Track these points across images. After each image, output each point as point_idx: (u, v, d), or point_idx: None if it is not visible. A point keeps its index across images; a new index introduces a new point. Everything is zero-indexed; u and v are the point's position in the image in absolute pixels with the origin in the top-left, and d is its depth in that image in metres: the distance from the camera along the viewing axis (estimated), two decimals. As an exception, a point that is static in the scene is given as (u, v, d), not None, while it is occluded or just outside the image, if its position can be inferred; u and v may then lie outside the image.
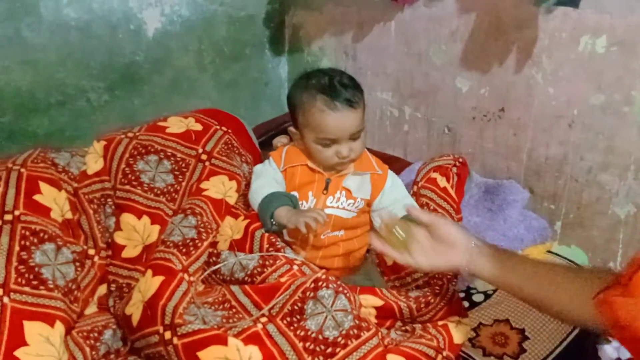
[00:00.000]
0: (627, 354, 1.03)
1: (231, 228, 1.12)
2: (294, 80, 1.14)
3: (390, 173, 1.19)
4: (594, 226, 1.30)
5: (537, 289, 0.82)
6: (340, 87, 1.05)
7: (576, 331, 1.05)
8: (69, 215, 1.05)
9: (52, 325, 0.86)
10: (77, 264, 0.99)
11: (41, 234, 0.94)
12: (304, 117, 1.08)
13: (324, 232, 1.10)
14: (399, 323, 1.02)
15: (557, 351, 1.01)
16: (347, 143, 1.07)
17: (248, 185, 1.27)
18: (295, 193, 1.11)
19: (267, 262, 1.01)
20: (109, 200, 1.11)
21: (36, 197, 1.00)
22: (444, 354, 0.93)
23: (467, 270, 0.87)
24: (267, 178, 1.12)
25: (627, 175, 1.21)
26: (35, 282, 0.88)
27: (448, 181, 1.25)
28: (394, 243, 0.91)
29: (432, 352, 0.91)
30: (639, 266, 0.57)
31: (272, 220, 1.06)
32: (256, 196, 1.10)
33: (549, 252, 1.29)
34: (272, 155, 1.16)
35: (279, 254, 1.03)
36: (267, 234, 1.07)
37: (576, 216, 1.33)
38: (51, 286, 0.90)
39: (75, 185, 1.09)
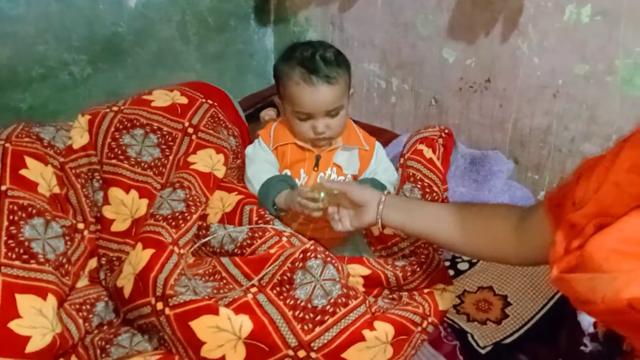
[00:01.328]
0: (605, 317, 1.07)
1: (222, 200, 1.13)
2: (282, 50, 1.13)
3: (377, 147, 1.20)
4: (576, 195, 1.33)
5: (442, 231, 0.90)
6: (321, 61, 1.04)
7: (557, 297, 1.09)
8: (56, 189, 1.04)
9: (44, 298, 0.87)
10: (67, 238, 0.99)
11: (29, 209, 0.94)
12: (283, 89, 1.09)
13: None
14: (386, 291, 1.05)
15: (538, 316, 1.05)
16: (324, 119, 1.06)
17: (236, 158, 1.28)
18: (287, 171, 1.12)
19: (256, 234, 1.02)
20: (96, 174, 1.10)
21: (22, 172, 0.99)
22: (429, 320, 0.97)
23: (380, 223, 0.94)
24: (260, 162, 1.12)
25: (610, 145, 1.22)
26: (25, 257, 0.89)
27: (434, 152, 1.26)
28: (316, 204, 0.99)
29: (417, 319, 0.94)
30: (584, 236, 0.59)
31: (275, 207, 1.07)
32: (254, 183, 1.11)
33: (532, 220, 1.32)
34: (261, 134, 1.16)
35: (268, 226, 1.05)
36: (255, 207, 1.09)
37: (559, 185, 1.35)
38: (42, 260, 0.91)
39: (62, 159, 1.09)
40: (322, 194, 0.97)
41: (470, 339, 1.00)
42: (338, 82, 1.05)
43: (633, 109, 1.17)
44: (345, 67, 1.08)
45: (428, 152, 1.24)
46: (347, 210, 0.99)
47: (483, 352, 0.98)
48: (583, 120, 1.25)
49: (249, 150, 1.17)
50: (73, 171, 1.08)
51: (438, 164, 1.24)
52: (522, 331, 1.02)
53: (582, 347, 1.02)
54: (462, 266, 1.17)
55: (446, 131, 1.33)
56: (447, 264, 1.17)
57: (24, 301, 0.84)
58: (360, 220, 0.96)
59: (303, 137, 1.11)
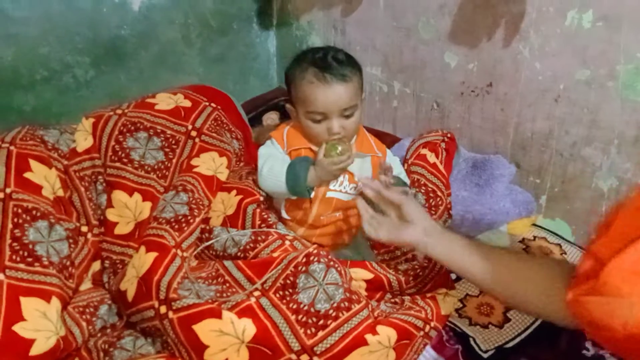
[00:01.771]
0: (606, 321, 1.07)
1: (223, 203, 1.13)
2: (292, 57, 1.13)
3: (388, 153, 1.19)
4: (577, 199, 1.33)
5: (486, 273, 0.84)
6: (333, 61, 1.04)
7: (558, 300, 1.09)
8: (60, 192, 1.05)
9: (48, 301, 0.87)
10: (71, 240, 1.00)
11: (34, 212, 0.95)
12: (295, 91, 1.07)
13: (324, 214, 1.12)
14: (388, 295, 1.05)
15: (540, 320, 1.05)
16: (339, 119, 1.05)
17: (239, 161, 1.28)
18: None
19: (259, 238, 1.03)
20: (99, 177, 1.11)
21: (27, 174, 0.99)
22: (432, 324, 0.97)
23: (420, 247, 0.91)
24: (277, 160, 1.10)
25: (611, 150, 1.24)
26: (29, 259, 0.89)
27: (437, 157, 1.26)
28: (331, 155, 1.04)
29: (420, 323, 0.94)
30: (602, 262, 0.57)
31: (309, 189, 1.06)
32: (272, 178, 1.08)
33: (534, 225, 1.32)
34: (274, 136, 1.14)
35: (271, 230, 1.05)
36: (259, 210, 1.09)
37: (561, 190, 1.35)
38: (46, 263, 0.91)
39: (66, 162, 1.09)
40: (339, 148, 1.03)
41: (472, 342, 1.00)
42: (352, 80, 1.05)
43: (634, 114, 1.18)
44: (357, 68, 1.08)
45: (431, 157, 1.25)
46: (386, 219, 0.96)
47: (485, 356, 0.98)
48: (584, 124, 1.26)
49: (263, 150, 1.14)
50: (77, 174, 1.09)
51: (441, 168, 1.24)
52: (524, 335, 1.02)
53: (584, 351, 1.03)
54: (464, 270, 1.18)
55: (448, 135, 1.34)
56: (449, 267, 1.18)
57: (28, 304, 0.84)
58: (399, 235, 0.93)
59: (317, 140, 1.08)
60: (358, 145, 1.13)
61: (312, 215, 1.11)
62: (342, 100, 1.04)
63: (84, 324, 0.94)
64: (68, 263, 0.96)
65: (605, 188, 1.28)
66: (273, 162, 1.09)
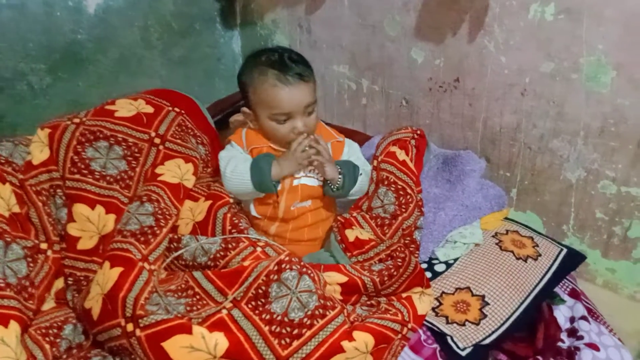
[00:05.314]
0: (580, 312, 1.08)
1: (191, 210, 1.10)
2: (244, 59, 1.13)
3: (347, 141, 1.22)
4: (547, 191, 1.34)
5: None
6: (290, 62, 1.08)
7: (533, 294, 1.10)
8: (16, 209, 1.00)
9: (5, 325, 0.83)
10: (29, 259, 0.95)
11: (-14, 232, 0.90)
12: (256, 95, 1.09)
13: (293, 204, 1.13)
14: (364, 298, 1.04)
15: (516, 314, 1.05)
16: (302, 118, 1.08)
17: (205, 166, 1.24)
18: None
19: (229, 245, 1.00)
20: (58, 190, 1.06)
21: (-22, 192, 0.94)
22: (409, 326, 0.96)
23: None
24: (239, 160, 1.11)
25: (577, 141, 1.25)
26: (-17, 283, 0.84)
27: (407, 154, 1.25)
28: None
29: (397, 326, 0.93)
30: None
31: (274, 183, 1.08)
32: (236, 177, 1.09)
33: (506, 218, 1.33)
34: (233, 139, 1.16)
35: (242, 235, 1.02)
36: (229, 215, 1.06)
37: (530, 182, 1.36)
38: (2, 285, 0.87)
39: (21, 176, 1.04)
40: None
41: (450, 341, 1.00)
42: (310, 79, 1.10)
43: (598, 105, 1.19)
44: (310, 67, 1.13)
45: (401, 154, 1.24)
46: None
47: (463, 353, 0.98)
48: (551, 117, 1.27)
49: (223, 153, 1.15)
50: (33, 188, 1.04)
51: (411, 165, 1.23)
52: (500, 330, 1.02)
53: (560, 343, 1.03)
54: (439, 268, 1.17)
55: (418, 132, 1.33)
56: (424, 266, 1.17)
57: (-17, 331, 0.80)
58: None
59: (281, 141, 1.11)
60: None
61: (282, 207, 1.12)
62: (305, 99, 1.08)
63: (47, 346, 0.89)
64: (27, 283, 0.92)
65: (573, 179, 1.29)
66: (236, 163, 1.10)
